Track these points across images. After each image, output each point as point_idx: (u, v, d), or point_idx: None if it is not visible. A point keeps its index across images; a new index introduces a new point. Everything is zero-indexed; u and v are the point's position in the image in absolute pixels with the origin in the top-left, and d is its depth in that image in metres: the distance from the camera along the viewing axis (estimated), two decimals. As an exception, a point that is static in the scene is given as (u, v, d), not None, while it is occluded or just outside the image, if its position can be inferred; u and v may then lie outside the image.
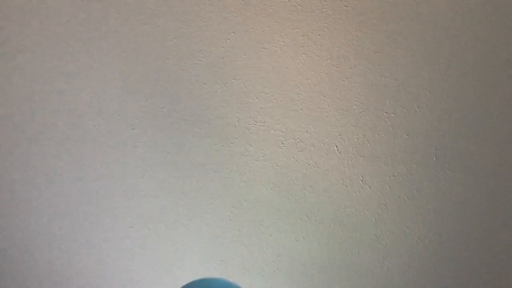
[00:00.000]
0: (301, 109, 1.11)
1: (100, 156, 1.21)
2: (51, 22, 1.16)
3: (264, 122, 1.13)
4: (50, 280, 1.30)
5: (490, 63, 1.02)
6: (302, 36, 1.07)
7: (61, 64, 1.18)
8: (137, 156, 1.20)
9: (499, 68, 1.02)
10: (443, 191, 1.10)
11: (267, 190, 1.16)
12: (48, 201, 1.26)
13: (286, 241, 1.18)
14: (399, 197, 1.12)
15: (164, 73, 1.14)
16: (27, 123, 1.22)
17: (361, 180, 1.12)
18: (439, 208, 1.11)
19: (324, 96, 1.10)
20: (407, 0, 1.01)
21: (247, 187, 1.17)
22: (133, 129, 1.18)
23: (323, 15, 1.06)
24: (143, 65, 1.15)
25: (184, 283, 1.28)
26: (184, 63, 1.13)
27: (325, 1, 1.05)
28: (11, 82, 1.20)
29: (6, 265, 1.31)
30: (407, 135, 1.08)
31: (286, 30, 1.08)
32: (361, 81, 1.07)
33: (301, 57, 1.08)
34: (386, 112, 1.08)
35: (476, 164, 1.07)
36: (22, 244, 1.29)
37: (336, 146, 1.11)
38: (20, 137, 1.23)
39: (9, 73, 1.20)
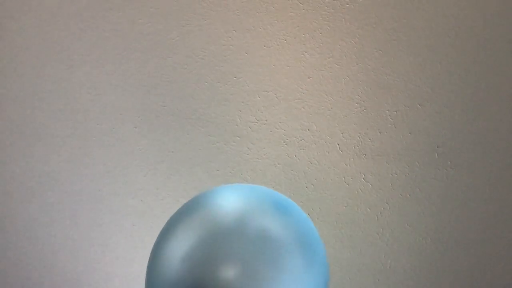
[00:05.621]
0: (303, 107, 1.11)
1: (102, 154, 1.21)
2: (52, 21, 1.16)
3: (266, 120, 1.13)
4: (50, 279, 1.31)
5: (493, 61, 1.02)
6: (304, 34, 1.07)
7: (62, 63, 1.18)
8: (139, 154, 1.20)
9: (502, 65, 1.02)
10: (445, 189, 1.09)
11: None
12: (49, 199, 1.26)
13: (288, 239, 1.18)
14: (401, 195, 1.12)
15: (165, 71, 1.14)
16: (28, 122, 1.22)
17: (363, 178, 1.12)
18: (441, 206, 1.10)
19: (326, 94, 1.09)
20: (409, -2, 1.01)
21: (249, 185, 1.17)
22: (135, 127, 1.18)
23: (325, 13, 1.05)
24: (145, 63, 1.15)
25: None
26: (185, 61, 1.13)
27: (327, -1, 1.05)
28: (12, 81, 1.20)
29: (6, 265, 1.32)
30: (410, 133, 1.08)
31: (288, 28, 1.07)
32: (363, 79, 1.07)
33: (302, 55, 1.08)
34: (388, 110, 1.08)
35: (479, 162, 1.07)
36: (22, 244, 1.30)
37: (338, 144, 1.11)
38: (21, 136, 1.23)
39: (9, 72, 1.20)
